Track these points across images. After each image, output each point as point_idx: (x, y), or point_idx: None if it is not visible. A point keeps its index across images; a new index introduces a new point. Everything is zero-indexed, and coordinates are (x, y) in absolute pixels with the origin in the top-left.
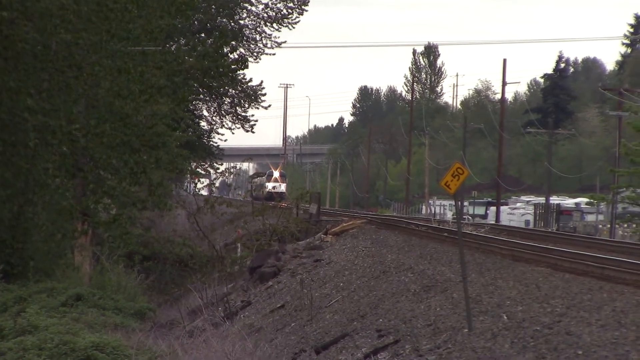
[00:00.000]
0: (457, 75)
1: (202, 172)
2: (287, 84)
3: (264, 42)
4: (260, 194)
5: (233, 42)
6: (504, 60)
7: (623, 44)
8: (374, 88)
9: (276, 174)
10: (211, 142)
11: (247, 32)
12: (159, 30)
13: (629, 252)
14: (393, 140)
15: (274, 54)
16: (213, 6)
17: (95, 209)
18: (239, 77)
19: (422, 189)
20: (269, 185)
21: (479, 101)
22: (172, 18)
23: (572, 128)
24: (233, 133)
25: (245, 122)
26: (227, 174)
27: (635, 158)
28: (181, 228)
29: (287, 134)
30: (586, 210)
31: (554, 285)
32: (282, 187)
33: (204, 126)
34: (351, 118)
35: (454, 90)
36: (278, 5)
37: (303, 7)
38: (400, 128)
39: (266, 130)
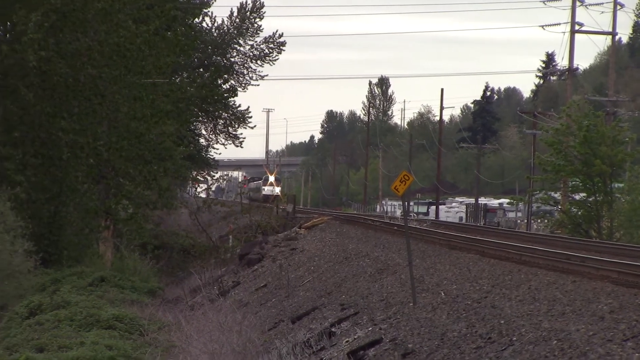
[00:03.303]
0: (404, 101)
1: (201, 179)
2: (268, 109)
3: (250, 75)
4: (252, 195)
5: (225, 75)
6: (442, 90)
7: (537, 76)
8: (338, 112)
9: (272, 178)
10: (208, 155)
11: (237, 67)
12: (167, 66)
13: (542, 241)
14: (353, 153)
15: (258, 85)
16: (209, 47)
17: (116, 208)
18: (230, 103)
19: (377, 192)
20: (266, 189)
21: (422, 122)
22: (176, 56)
23: (496, 143)
24: (226, 148)
25: (235, 139)
26: (221, 181)
27: (547, 167)
28: (184, 223)
29: (269, 148)
30: (507, 209)
31: (482, 268)
32: (277, 190)
33: (202, 142)
34: (320, 136)
35: (402, 113)
36: (261, 46)
37: (281, 47)
38: (359, 144)
39: (252, 145)
